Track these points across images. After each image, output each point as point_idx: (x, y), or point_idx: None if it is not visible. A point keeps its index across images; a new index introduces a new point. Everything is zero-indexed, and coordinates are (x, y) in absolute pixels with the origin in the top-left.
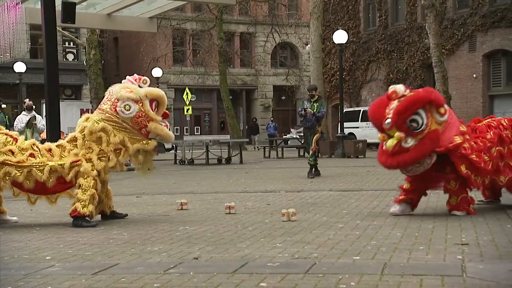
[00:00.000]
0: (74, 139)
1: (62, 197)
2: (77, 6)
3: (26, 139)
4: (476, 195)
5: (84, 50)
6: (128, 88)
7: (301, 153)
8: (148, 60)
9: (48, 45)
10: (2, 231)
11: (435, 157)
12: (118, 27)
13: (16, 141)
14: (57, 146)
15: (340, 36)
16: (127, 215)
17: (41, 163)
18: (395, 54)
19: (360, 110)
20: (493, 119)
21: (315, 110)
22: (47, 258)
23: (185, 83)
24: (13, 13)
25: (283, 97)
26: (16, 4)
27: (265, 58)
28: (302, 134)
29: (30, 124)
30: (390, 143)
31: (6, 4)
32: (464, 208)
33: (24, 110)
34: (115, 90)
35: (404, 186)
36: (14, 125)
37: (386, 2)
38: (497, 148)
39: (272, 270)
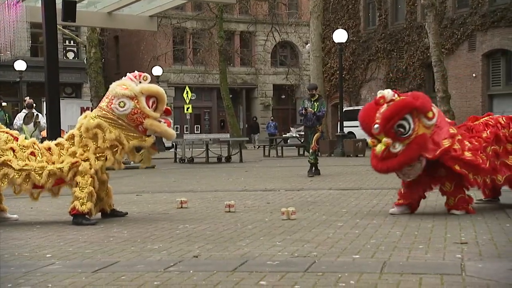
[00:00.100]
0: (72, 137)
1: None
2: (77, 5)
3: (25, 136)
4: (476, 194)
5: (84, 48)
6: (124, 85)
7: (301, 152)
8: (148, 59)
9: (49, 43)
10: (3, 228)
11: (424, 161)
12: (119, 26)
13: (17, 140)
14: (56, 144)
15: (340, 35)
16: (127, 213)
17: (40, 167)
18: (394, 53)
19: (360, 109)
20: (490, 117)
21: (315, 109)
22: (47, 256)
23: (185, 82)
24: (14, 11)
25: (283, 96)
26: (17, 3)
27: (265, 57)
28: (302, 133)
29: (34, 122)
30: (379, 148)
31: (6, 2)
32: (463, 207)
33: (25, 108)
34: (111, 87)
35: (402, 191)
36: (14, 122)
37: (386, 2)
38: (492, 147)
39: (271, 268)
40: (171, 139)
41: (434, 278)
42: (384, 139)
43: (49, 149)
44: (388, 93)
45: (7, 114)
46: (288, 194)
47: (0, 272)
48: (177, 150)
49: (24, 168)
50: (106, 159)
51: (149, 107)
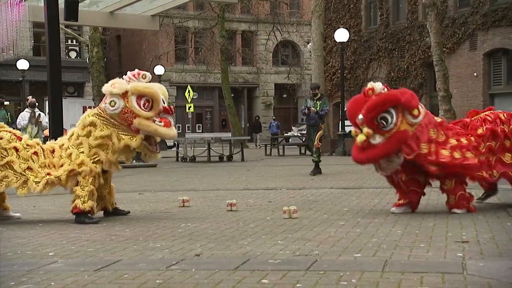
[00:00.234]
0: (71, 135)
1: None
2: (80, 4)
3: (29, 136)
4: (477, 193)
5: (86, 47)
6: (116, 84)
7: (302, 151)
8: (150, 58)
9: (51, 43)
10: (6, 227)
11: (402, 158)
12: (121, 25)
13: (20, 140)
14: (60, 146)
15: (341, 35)
16: (129, 212)
17: (39, 178)
18: (396, 53)
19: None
20: (490, 112)
21: (318, 108)
22: (50, 254)
23: (187, 81)
24: (17, 11)
25: (285, 95)
26: (20, 2)
27: (267, 56)
28: (303, 132)
29: (36, 121)
30: (359, 138)
31: (9, 1)
32: (464, 205)
33: (27, 107)
34: (104, 86)
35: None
36: (17, 122)
37: (388, 1)
38: (487, 143)
39: (273, 267)
40: (167, 138)
41: (435, 277)
42: (365, 129)
43: (53, 151)
44: (378, 85)
45: (9, 113)
46: (290, 193)
47: (3, 271)
48: (179, 149)
49: (24, 173)
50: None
51: (140, 106)
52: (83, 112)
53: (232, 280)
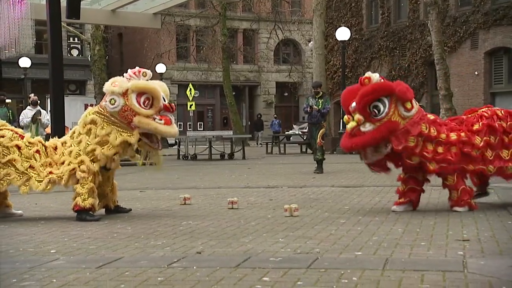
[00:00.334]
0: (73, 133)
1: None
2: (81, 2)
3: (31, 134)
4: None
5: (88, 45)
6: (116, 82)
7: (303, 149)
8: (152, 56)
9: (53, 41)
10: (8, 224)
11: (389, 148)
12: (123, 23)
13: (22, 138)
14: (62, 144)
15: (342, 33)
16: (131, 209)
17: (40, 177)
18: (397, 51)
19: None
20: (488, 109)
21: (320, 107)
22: (51, 251)
23: (189, 79)
24: (19, 9)
25: (286, 94)
26: (22, 0)
27: (268, 54)
28: (304, 130)
29: (35, 119)
30: (350, 125)
31: None
32: (466, 202)
33: (29, 105)
34: (105, 84)
35: (400, 189)
36: (20, 119)
37: (389, 0)
38: (484, 138)
39: (274, 264)
40: (167, 136)
41: (436, 275)
42: (357, 116)
43: (55, 148)
44: (375, 75)
45: (10, 111)
46: (291, 191)
47: (5, 268)
48: (180, 147)
49: (26, 172)
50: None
51: (140, 104)
52: (85, 110)
53: (233, 278)
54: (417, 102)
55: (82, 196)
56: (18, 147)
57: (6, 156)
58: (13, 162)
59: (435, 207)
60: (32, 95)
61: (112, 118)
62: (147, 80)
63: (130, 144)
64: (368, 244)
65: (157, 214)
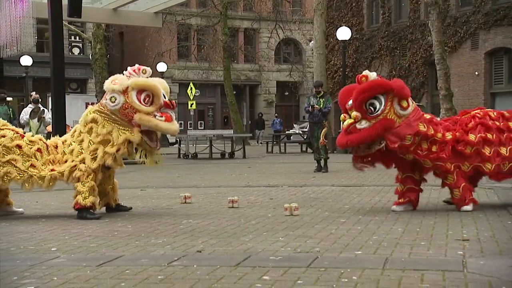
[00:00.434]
0: (74, 132)
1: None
2: (83, 1)
3: (33, 131)
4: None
5: (89, 44)
6: (117, 80)
7: (304, 149)
8: (153, 55)
9: (55, 39)
10: (8, 222)
11: (383, 144)
12: (124, 22)
13: (23, 137)
14: (63, 142)
15: (343, 33)
16: (131, 208)
17: (42, 175)
18: (398, 51)
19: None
20: (481, 110)
21: (321, 106)
22: (52, 249)
23: (190, 78)
24: (20, 7)
25: (286, 93)
26: None
27: (269, 54)
28: (305, 129)
29: (39, 117)
30: (346, 122)
31: None
32: (469, 198)
33: (30, 103)
34: (105, 82)
35: (398, 189)
36: (20, 117)
37: (390, 0)
38: (478, 135)
39: (274, 263)
40: (168, 133)
41: (436, 275)
42: (353, 113)
43: (56, 146)
44: (372, 74)
45: (11, 109)
46: (291, 190)
47: (6, 265)
48: (181, 145)
49: (27, 171)
50: (99, 155)
51: (140, 101)
52: (86, 108)
53: (234, 276)
54: (413, 101)
55: (83, 195)
56: (19, 147)
57: (6, 156)
58: (13, 162)
59: (435, 207)
60: (33, 93)
61: (113, 116)
62: (147, 77)
63: (131, 142)
64: (368, 244)
65: (158, 212)
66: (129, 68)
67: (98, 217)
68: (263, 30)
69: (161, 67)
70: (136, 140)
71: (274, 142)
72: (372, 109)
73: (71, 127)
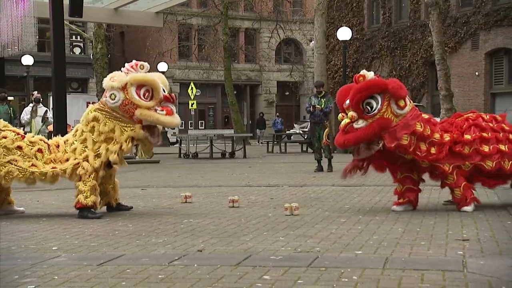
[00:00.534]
0: (76, 131)
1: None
2: (84, 0)
3: (32, 130)
4: (480, 192)
5: (91, 44)
6: (115, 77)
7: (304, 148)
8: (154, 55)
9: (56, 39)
10: (9, 221)
11: (381, 145)
12: (125, 22)
13: (23, 138)
14: (64, 142)
15: (344, 33)
16: (132, 207)
17: (43, 171)
18: (398, 51)
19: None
20: (473, 113)
21: (322, 106)
22: (53, 248)
23: (190, 78)
24: (21, 7)
25: (287, 93)
26: None
27: (270, 54)
28: (305, 129)
29: (43, 117)
30: (343, 122)
31: None
32: (470, 197)
33: (31, 102)
34: (104, 80)
35: (397, 189)
36: (21, 117)
37: (390, 0)
38: (473, 134)
39: (275, 263)
40: (170, 126)
41: (436, 274)
42: (350, 113)
43: (58, 146)
44: (369, 74)
45: (11, 108)
46: (291, 190)
47: (7, 264)
48: (182, 145)
49: (28, 169)
50: (103, 153)
51: (140, 97)
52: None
53: (234, 276)
54: (411, 101)
55: (84, 194)
56: (20, 148)
57: (7, 156)
58: (14, 162)
59: (435, 207)
60: (35, 92)
61: (114, 113)
62: (145, 72)
63: (134, 138)
64: (368, 243)
65: (158, 212)
66: (126, 64)
67: (99, 217)
68: (264, 30)
69: (162, 66)
70: (139, 136)
71: (275, 142)
72: (369, 108)
73: (72, 127)
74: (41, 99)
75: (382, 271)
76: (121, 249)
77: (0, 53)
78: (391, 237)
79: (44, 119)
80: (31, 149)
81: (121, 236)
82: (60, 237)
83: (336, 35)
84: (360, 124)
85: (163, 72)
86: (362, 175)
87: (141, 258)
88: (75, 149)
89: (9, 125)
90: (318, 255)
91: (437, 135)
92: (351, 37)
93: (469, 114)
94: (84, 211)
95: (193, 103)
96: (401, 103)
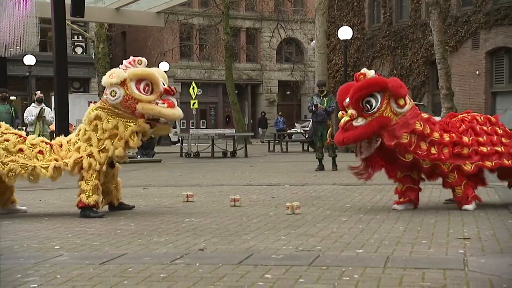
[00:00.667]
0: (79, 131)
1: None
2: (86, 0)
3: (35, 131)
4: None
5: (92, 43)
6: (114, 74)
7: (305, 148)
8: (155, 55)
9: (58, 39)
10: (12, 220)
11: (379, 142)
12: (126, 22)
13: (25, 140)
14: (67, 141)
15: (345, 32)
16: (134, 206)
17: (45, 165)
18: (399, 51)
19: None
20: (468, 114)
21: (325, 105)
22: (55, 247)
23: (192, 77)
24: (23, 7)
25: (288, 92)
26: None
27: (271, 53)
28: (306, 129)
29: (40, 116)
30: (343, 120)
31: None
32: (472, 197)
33: (34, 102)
34: (103, 78)
35: (398, 189)
36: (24, 117)
37: None
38: (471, 137)
39: (276, 262)
40: (172, 119)
41: (437, 273)
42: (350, 110)
43: (61, 145)
44: (370, 72)
45: (13, 108)
46: (293, 189)
47: (9, 263)
48: (183, 144)
49: (31, 163)
50: (104, 148)
51: (140, 91)
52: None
53: (236, 275)
54: (411, 100)
55: (86, 193)
56: (21, 150)
57: (8, 157)
58: (15, 162)
59: (436, 206)
60: (38, 92)
61: (116, 110)
62: (143, 67)
63: (138, 133)
64: (369, 242)
65: (160, 211)
66: (124, 61)
67: (101, 216)
68: (265, 30)
69: (164, 66)
70: (143, 130)
71: (276, 141)
72: (369, 106)
73: (74, 126)
74: (43, 99)
75: (383, 270)
76: (123, 248)
77: (2, 53)
78: (392, 236)
79: (41, 118)
80: (32, 151)
81: (123, 235)
82: (62, 236)
83: (337, 34)
84: (360, 122)
85: (164, 72)
86: (367, 179)
87: (143, 257)
88: (79, 147)
89: (10, 128)
90: (319, 254)
91: (436, 134)
92: (352, 37)
93: (463, 115)
94: (86, 210)
95: (195, 102)
96: (401, 102)
